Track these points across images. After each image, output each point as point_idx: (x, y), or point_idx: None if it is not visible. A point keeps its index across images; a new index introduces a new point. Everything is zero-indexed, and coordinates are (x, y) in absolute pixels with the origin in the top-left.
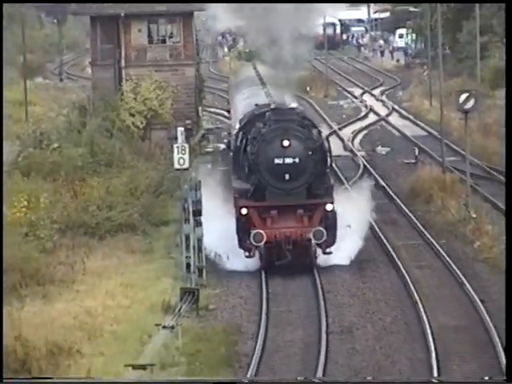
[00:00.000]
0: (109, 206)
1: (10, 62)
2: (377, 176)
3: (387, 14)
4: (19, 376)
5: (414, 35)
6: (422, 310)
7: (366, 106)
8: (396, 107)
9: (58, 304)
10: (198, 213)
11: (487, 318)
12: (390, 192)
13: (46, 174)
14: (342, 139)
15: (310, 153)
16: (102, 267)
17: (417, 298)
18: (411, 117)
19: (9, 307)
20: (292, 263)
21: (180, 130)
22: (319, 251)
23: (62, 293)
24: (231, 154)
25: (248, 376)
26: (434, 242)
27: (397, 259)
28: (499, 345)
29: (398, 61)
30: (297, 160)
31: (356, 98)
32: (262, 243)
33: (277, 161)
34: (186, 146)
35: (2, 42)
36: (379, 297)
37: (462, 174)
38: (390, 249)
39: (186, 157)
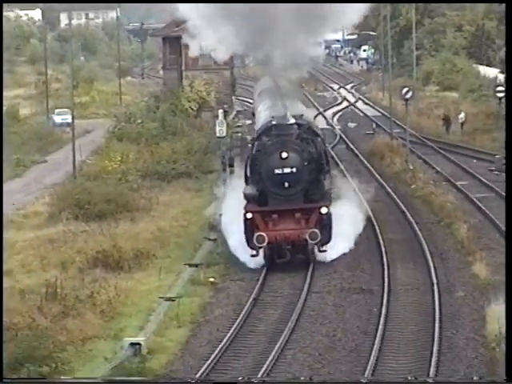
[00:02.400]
0: (174, 160)
1: (109, 66)
2: (348, 141)
3: (355, 36)
4: (114, 270)
5: (372, 50)
6: (377, 229)
7: (341, 96)
8: (361, 97)
9: (141, 224)
10: (231, 165)
11: (419, 233)
12: (357, 152)
13: (133, 140)
14: (325, 117)
15: (306, 163)
16: (169, 200)
17: (374, 221)
18: (371, 103)
19: (108, 226)
20: (291, 261)
21: (220, 111)
22: (316, 249)
23: (143, 217)
24: (247, 161)
25: (261, 275)
26: (385, 185)
27: (360, 196)
28: (427, 252)
29: (362, 67)
30: (294, 170)
31: (335, 90)
32: (263, 244)
33: (277, 171)
34: (224, 121)
35: (1, 42)
36: None
37: (404, 140)
38: (357, 189)
39: (224, 129)
